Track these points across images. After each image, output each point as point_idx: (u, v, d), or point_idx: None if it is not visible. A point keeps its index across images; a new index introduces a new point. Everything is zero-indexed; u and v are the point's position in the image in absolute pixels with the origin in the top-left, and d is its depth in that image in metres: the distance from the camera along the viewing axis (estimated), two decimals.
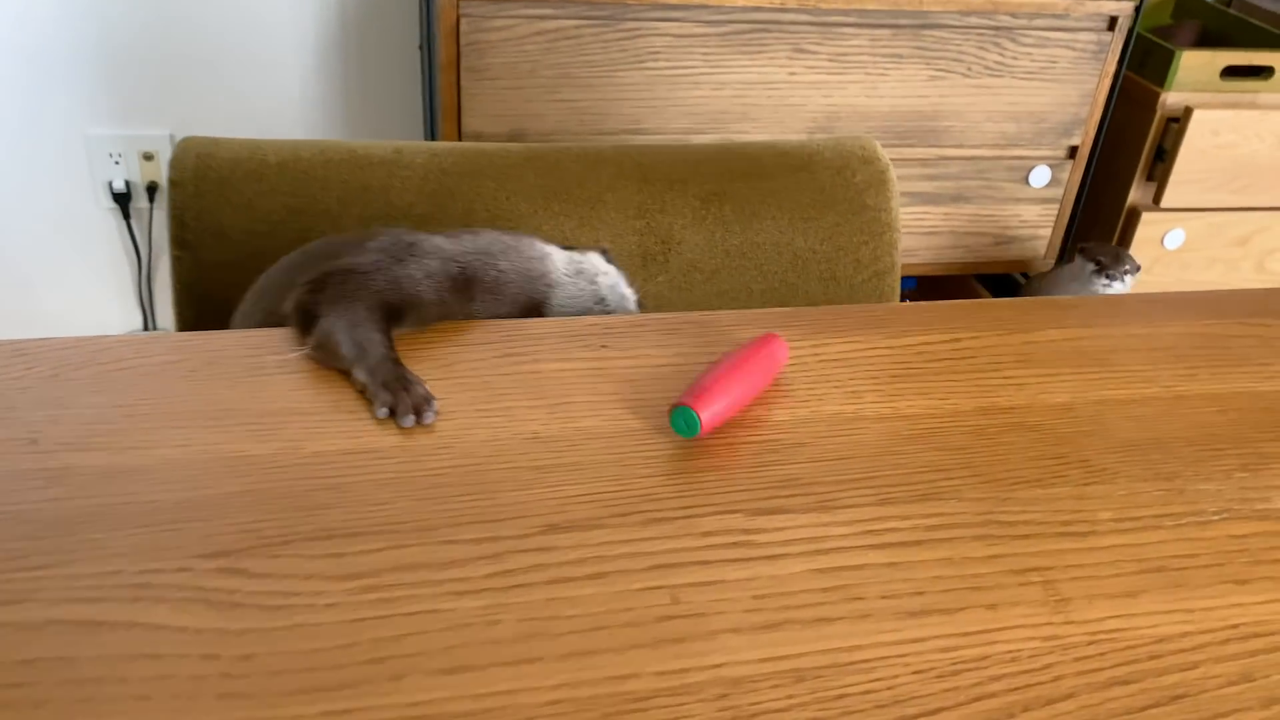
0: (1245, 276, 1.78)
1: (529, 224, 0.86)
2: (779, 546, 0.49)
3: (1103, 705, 0.43)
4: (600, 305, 0.74)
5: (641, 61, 1.43)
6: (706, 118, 1.50)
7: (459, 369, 0.60)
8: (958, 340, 0.67)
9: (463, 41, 1.36)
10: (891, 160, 1.59)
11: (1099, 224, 1.75)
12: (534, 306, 0.70)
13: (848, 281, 0.94)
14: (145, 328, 1.96)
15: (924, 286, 1.97)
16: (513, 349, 0.62)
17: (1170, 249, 1.72)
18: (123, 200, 1.81)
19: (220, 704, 0.39)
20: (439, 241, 0.69)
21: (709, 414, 0.54)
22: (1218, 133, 1.60)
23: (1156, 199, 1.66)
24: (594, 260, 0.75)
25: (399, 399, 0.55)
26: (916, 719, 0.41)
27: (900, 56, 1.49)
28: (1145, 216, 1.68)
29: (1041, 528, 0.52)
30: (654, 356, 0.63)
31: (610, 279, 0.75)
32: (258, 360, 0.59)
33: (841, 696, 0.42)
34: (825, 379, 0.62)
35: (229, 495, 0.49)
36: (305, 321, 0.61)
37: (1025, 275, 1.84)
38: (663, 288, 0.90)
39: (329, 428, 0.54)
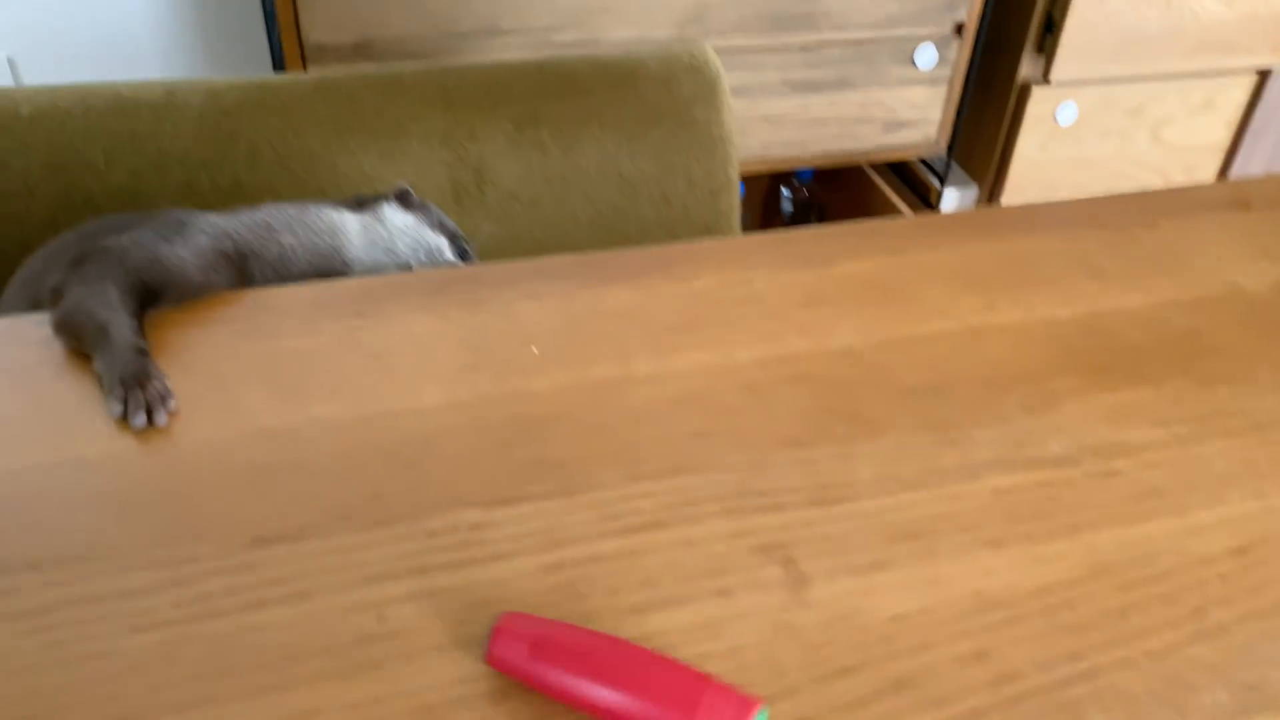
0: (1141, 149, 1.75)
1: (322, 162, 0.80)
2: (509, 543, 0.46)
3: (823, 699, 0.40)
4: (406, 269, 0.69)
5: None
6: (568, 14, 1.41)
7: (188, 354, 0.55)
8: (749, 282, 0.63)
9: None
10: (770, 48, 1.52)
11: (990, 103, 1.70)
12: None
13: (680, 201, 0.89)
14: None
15: (820, 179, 1.92)
16: (255, 324, 0.57)
17: (1063, 125, 1.68)
18: None
19: None
20: (214, 219, 0.63)
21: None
22: (1105, 1, 1.54)
23: (1046, 74, 1.61)
24: (390, 215, 0.70)
25: (132, 395, 0.51)
26: None
27: None
28: (1036, 93, 1.62)
29: (795, 496, 0.49)
30: (416, 322, 0.58)
31: (411, 233, 0.70)
32: None
33: (543, 717, 0.39)
34: (600, 336, 0.58)
35: None
36: (57, 302, 0.56)
37: (923, 160, 1.80)
38: (479, 222, 0.85)
39: (27, 435, 0.49)
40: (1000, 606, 0.44)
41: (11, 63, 1.68)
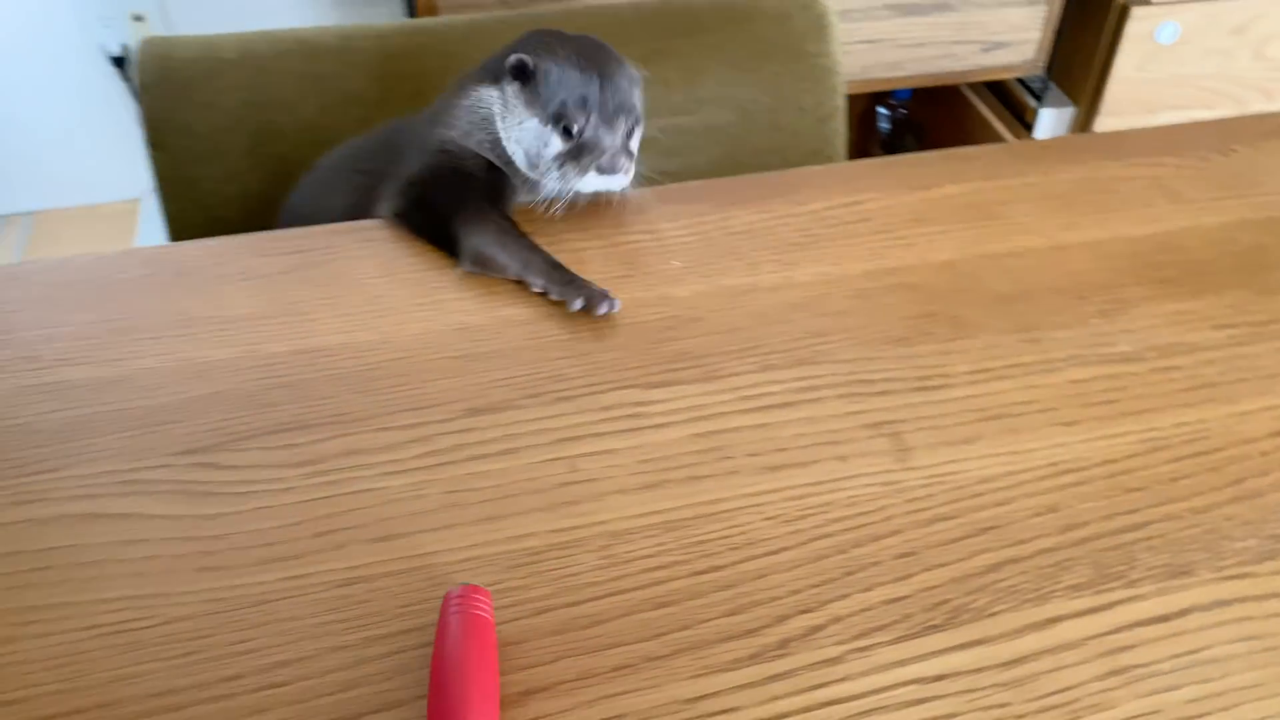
0: (1243, 66, 1.75)
1: None
2: (665, 416, 0.57)
3: (923, 539, 0.51)
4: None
5: None
6: None
7: (398, 265, 0.67)
8: (859, 203, 0.72)
9: None
10: None
11: (1089, 22, 1.72)
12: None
13: (791, 129, 0.98)
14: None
15: (918, 99, 1.96)
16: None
17: (1164, 44, 1.69)
18: (121, 64, 1.85)
19: (199, 575, 0.49)
20: (447, 133, 0.70)
21: None
22: None
23: None
24: (510, 92, 0.69)
25: (588, 293, 0.63)
26: (763, 557, 0.50)
27: None
28: (1135, 12, 1.64)
29: (900, 384, 0.59)
30: (575, 239, 0.69)
31: (517, 117, 0.69)
32: (219, 270, 0.66)
33: (702, 542, 0.51)
34: (729, 252, 0.68)
35: (199, 398, 0.58)
36: (413, 224, 0.69)
37: (1021, 80, 1.83)
38: None
39: (281, 330, 0.62)
40: (1070, 472, 0.54)
41: (163, 6, 1.81)
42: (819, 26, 0.96)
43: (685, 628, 0.47)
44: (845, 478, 0.54)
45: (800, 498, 0.53)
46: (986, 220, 0.71)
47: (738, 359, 0.61)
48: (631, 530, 0.52)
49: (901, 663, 0.46)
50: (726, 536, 0.51)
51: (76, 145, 1.94)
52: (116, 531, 0.51)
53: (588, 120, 0.66)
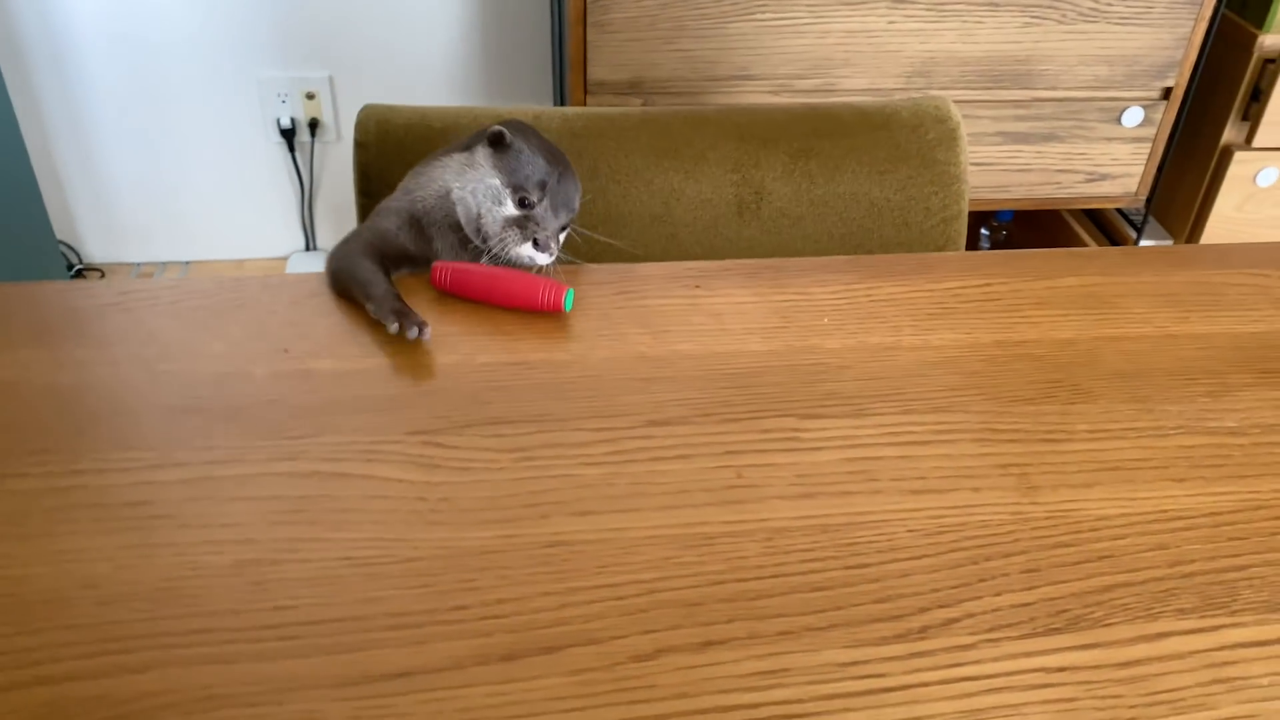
0: None
1: (641, 178, 1.03)
2: (819, 442, 0.66)
3: (1047, 560, 0.59)
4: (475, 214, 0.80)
5: (750, 13, 1.56)
6: (809, 64, 1.62)
7: (589, 306, 0.78)
8: (988, 285, 0.82)
9: None
10: (985, 101, 1.69)
11: (1191, 162, 1.81)
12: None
13: (918, 227, 1.09)
14: (306, 248, 2.21)
15: (1019, 220, 2.06)
16: (626, 288, 0.80)
17: (1263, 186, 1.77)
18: (288, 135, 2.04)
19: (429, 527, 0.59)
20: (399, 194, 0.82)
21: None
22: None
23: (1249, 139, 1.71)
24: (480, 156, 0.80)
25: (402, 319, 0.72)
26: (906, 560, 0.58)
27: (996, 4, 1.58)
28: (1238, 155, 1.73)
29: (1028, 435, 0.67)
30: (739, 295, 0.79)
31: (482, 175, 0.79)
32: (437, 292, 0.78)
33: (853, 544, 0.59)
34: (872, 315, 0.78)
35: (425, 392, 0.69)
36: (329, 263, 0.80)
37: (1120, 210, 1.92)
38: (755, 233, 1.06)
39: (493, 344, 0.73)
40: (1179, 519, 0.62)
41: (331, 81, 2.02)
42: (950, 138, 1.07)
43: (839, 608, 0.56)
44: (978, 505, 0.62)
45: (938, 516, 0.61)
46: (1103, 309, 0.79)
47: (882, 401, 0.70)
48: (791, 528, 0.60)
49: (1028, 654, 0.53)
50: (874, 541, 0.59)
51: (236, 204, 2.14)
52: (361, 488, 0.61)
53: (540, 201, 0.78)
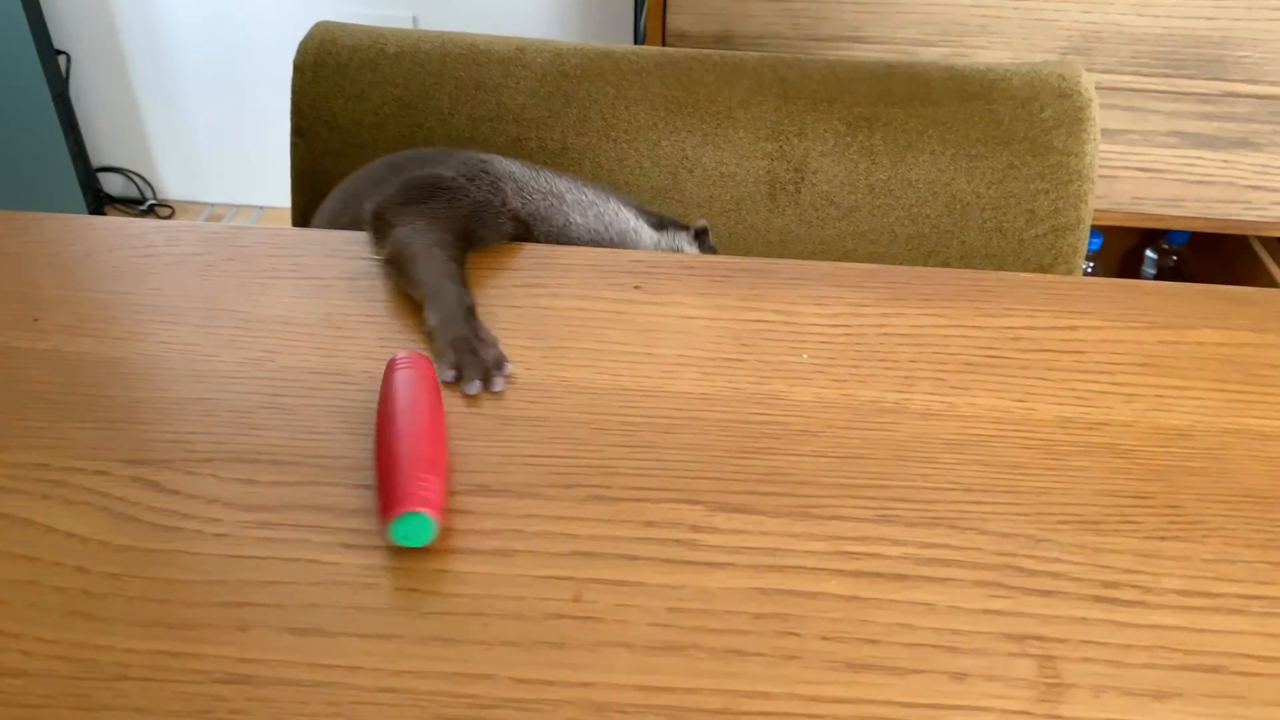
0: None
1: (646, 138, 0.79)
2: (726, 554, 0.42)
3: None
4: None
5: None
6: (938, 28, 1.33)
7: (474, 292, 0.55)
8: (1073, 329, 0.54)
9: None
10: (1161, 92, 1.36)
11: None
12: None
13: (1017, 235, 0.80)
14: None
15: (1197, 244, 1.70)
16: (535, 278, 0.57)
17: None
18: None
19: (65, 621, 0.38)
20: (514, 171, 0.64)
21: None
22: None
23: None
24: (683, 248, 0.68)
25: (465, 363, 0.50)
26: None
27: None
28: None
29: (1073, 585, 0.41)
30: (691, 306, 0.55)
31: None
32: (274, 262, 0.57)
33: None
34: (878, 357, 0.52)
35: (181, 401, 0.48)
36: (381, 228, 0.58)
37: None
38: (790, 222, 0.81)
39: (308, 341, 0.52)
40: None
41: (415, 20, 1.85)
42: (1076, 119, 0.78)
43: None
44: (956, 707, 0.36)
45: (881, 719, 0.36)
46: (1249, 385, 0.51)
47: (848, 498, 0.44)
48: (621, 707, 0.36)
49: None
50: None
51: None
52: (9, 540, 0.41)
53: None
